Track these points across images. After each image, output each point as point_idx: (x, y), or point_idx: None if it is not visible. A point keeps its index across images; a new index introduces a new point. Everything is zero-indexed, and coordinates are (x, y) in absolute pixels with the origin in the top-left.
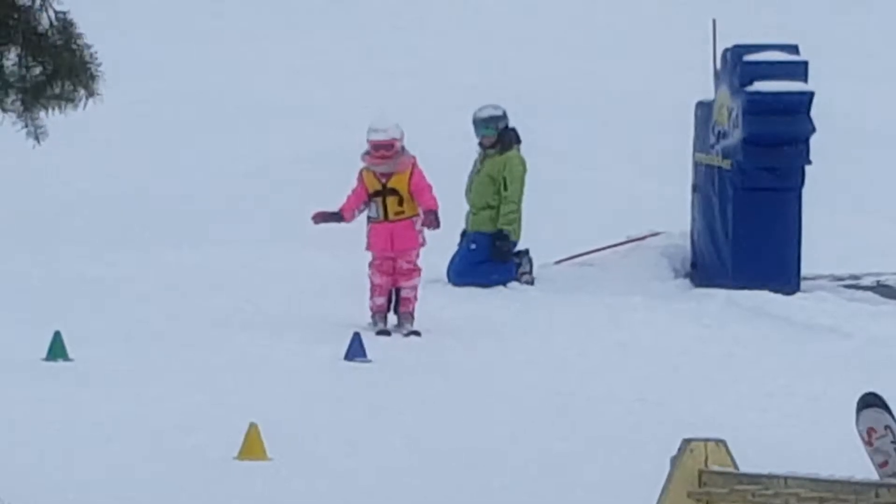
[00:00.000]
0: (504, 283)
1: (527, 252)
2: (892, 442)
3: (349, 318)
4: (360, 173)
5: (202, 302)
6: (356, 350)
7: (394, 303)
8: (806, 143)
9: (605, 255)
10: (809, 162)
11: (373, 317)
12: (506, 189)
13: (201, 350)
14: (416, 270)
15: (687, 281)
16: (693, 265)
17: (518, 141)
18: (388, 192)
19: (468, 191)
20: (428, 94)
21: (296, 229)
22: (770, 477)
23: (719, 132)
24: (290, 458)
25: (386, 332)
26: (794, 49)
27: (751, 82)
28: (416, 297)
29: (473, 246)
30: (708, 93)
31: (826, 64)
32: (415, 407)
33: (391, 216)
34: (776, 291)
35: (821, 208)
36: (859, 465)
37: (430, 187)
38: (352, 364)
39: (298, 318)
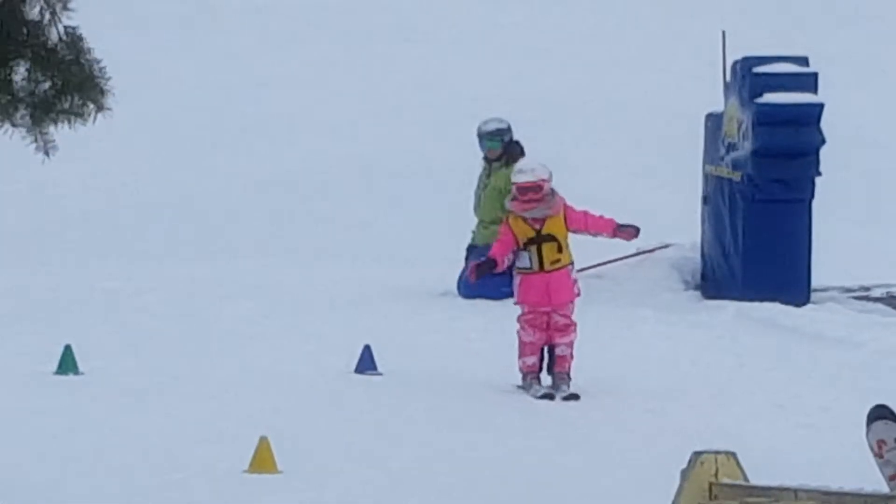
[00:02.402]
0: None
1: None
2: None
3: (360, 329)
4: (507, 220)
5: (212, 314)
6: (366, 362)
7: (547, 362)
8: (816, 154)
9: (615, 268)
10: (819, 173)
11: (524, 378)
12: None
13: (211, 363)
14: (573, 325)
15: (697, 293)
16: (703, 277)
17: (523, 153)
18: (543, 238)
19: (476, 206)
20: (437, 107)
21: (305, 240)
22: (781, 489)
23: (729, 144)
24: (301, 472)
25: (549, 396)
26: (803, 61)
27: (760, 94)
28: (572, 356)
29: (483, 259)
30: (718, 105)
31: (836, 75)
32: (425, 419)
33: (547, 266)
34: (786, 303)
35: (831, 220)
36: (869, 477)
37: (586, 211)
38: (362, 377)
39: (309, 331)
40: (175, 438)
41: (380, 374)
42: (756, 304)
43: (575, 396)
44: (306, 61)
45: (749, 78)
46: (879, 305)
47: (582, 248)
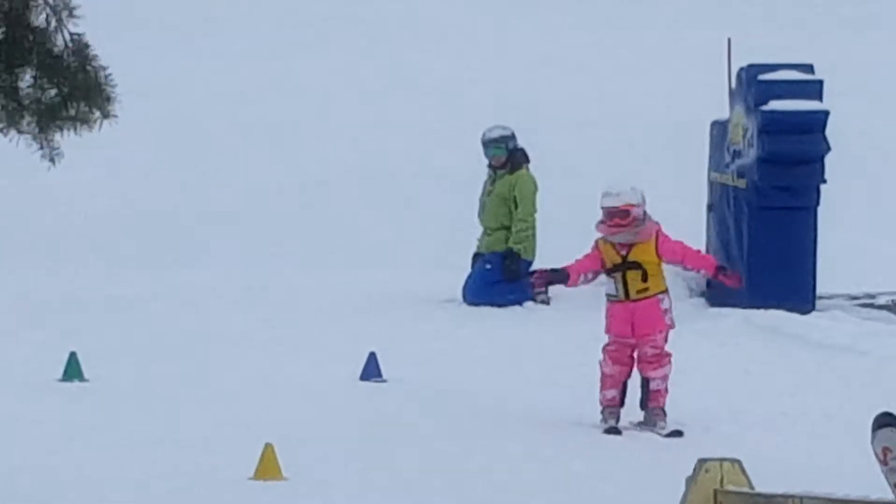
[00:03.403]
0: (519, 303)
1: None
2: None
3: (365, 337)
4: (596, 243)
5: (218, 321)
6: (372, 369)
7: (641, 396)
8: (821, 161)
9: None
10: (825, 181)
11: (602, 412)
12: (517, 208)
13: (217, 370)
14: (665, 357)
15: (702, 300)
16: (708, 284)
17: (527, 160)
18: (628, 265)
19: (481, 212)
20: (442, 114)
21: (311, 247)
22: (786, 496)
23: (734, 151)
24: (306, 478)
25: (616, 431)
26: (808, 68)
27: (766, 101)
28: (666, 390)
29: (489, 266)
30: (723, 112)
31: (841, 83)
32: (430, 426)
33: (633, 295)
34: (791, 310)
35: (836, 227)
36: (875, 485)
37: (682, 243)
38: (368, 383)
39: (314, 338)
40: (180, 445)
41: (385, 382)
42: (761, 312)
43: (678, 433)
44: (311, 68)
45: (754, 85)
46: (884, 313)
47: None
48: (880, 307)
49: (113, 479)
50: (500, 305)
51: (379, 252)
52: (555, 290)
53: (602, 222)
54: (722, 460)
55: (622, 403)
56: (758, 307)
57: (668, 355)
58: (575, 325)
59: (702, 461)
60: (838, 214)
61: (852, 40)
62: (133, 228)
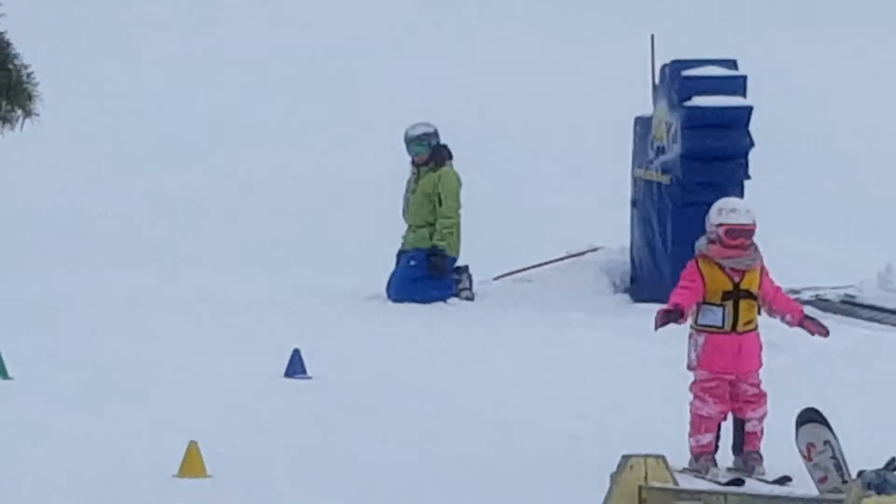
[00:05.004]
0: (444, 300)
1: (466, 268)
2: (831, 458)
3: (290, 334)
4: (697, 265)
5: (144, 321)
6: (296, 366)
7: (735, 439)
8: (745, 157)
9: (544, 271)
10: (748, 177)
11: (696, 459)
12: (441, 205)
13: (142, 368)
14: (763, 396)
15: (626, 296)
16: (632, 280)
17: (450, 157)
18: (741, 294)
19: (405, 210)
20: (367, 112)
21: (237, 248)
22: (710, 492)
23: (658, 147)
24: (230, 475)
25: (739, 482)
26: (732, 64)
27: (689, 97)
28: (762, 431)
29: (413, 263)
30: (647, 108)
31: (765, 79)
32: (354, 423)
33: (740, 327)
34: None
35: (759, 223)
36: (800, 480)
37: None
38: (292, 381)
39: (239, 335)
40: (104, 443)
41: (309, 378)
42: None
43: (786, 479)
44: (236, 69)
45: (678, 81)
46: (808, 308)
47: (510, 250)
48: (804, 303)
49: (35, 477)
50: (424, 302)
51: (304, 250)
52: (477, 286)
53: (716, 242)
54: (646, 456)
55: (717, 449)
56: None
57: (766, 394)
58: (498, 321)
59: (626, 457)
60: (761, 210)
61: (776, 37)
62: (59, 228)
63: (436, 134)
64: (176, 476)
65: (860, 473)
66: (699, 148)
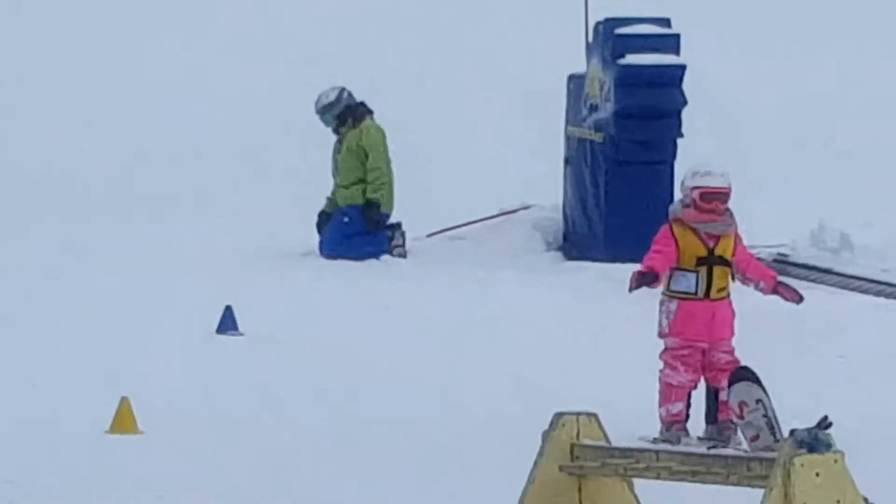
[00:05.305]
0: (377, 256)
1: (399, 225)
2: (763, 416)
3: (222, 291)
4: (671, 229)
5: (75, 280)
6: (228, 323)
7: (707, 408)
8: (678, 116)
9: (477, 229)
10: (681, 135)
11: (668, 429)
12: (367, 159)
13: (72, 326)
14: (738, 364)
15: (559, 254)
16: (565, 238)
17: (370, 112)
18: (715, 260)
19: (335, 171)
20: (295, 71)
21: (167, 207)
22: (642, 451)
23: (591, 105)
24: (162, 432)
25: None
26: (666, 22)
27: (622, 55)
28: None
29: (347, 220)
30: (580, 66)
31: (699, 38)
32: (286, 379)
33: (713, 294)
34: None
35: None
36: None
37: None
38: (223, 337)
39: (171, 293)
40: (36, 400)
41: (241, 335)
42: (618, 266)
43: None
44: (163, 33)
45: (611, 39)
46: None
47: (441, 208)
48: None
49: None
50: (357, 259)
51: (235, 209)
52: (410, 244)
53: (691, 206)
54: (578, 414)
55: (688, 417)
56: (615, 261)
57: (739, 362)
58: (431, 278)
59: (558, 415)
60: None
61: None
62: None
63: (338, 101)
64: (108, 432)
65: (792, 432)
66: (632, 106)
